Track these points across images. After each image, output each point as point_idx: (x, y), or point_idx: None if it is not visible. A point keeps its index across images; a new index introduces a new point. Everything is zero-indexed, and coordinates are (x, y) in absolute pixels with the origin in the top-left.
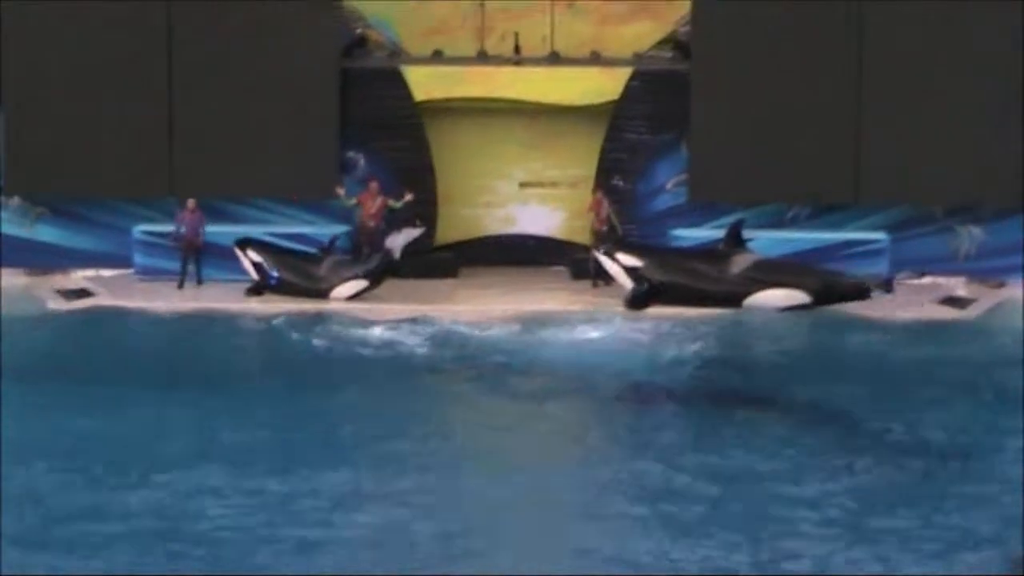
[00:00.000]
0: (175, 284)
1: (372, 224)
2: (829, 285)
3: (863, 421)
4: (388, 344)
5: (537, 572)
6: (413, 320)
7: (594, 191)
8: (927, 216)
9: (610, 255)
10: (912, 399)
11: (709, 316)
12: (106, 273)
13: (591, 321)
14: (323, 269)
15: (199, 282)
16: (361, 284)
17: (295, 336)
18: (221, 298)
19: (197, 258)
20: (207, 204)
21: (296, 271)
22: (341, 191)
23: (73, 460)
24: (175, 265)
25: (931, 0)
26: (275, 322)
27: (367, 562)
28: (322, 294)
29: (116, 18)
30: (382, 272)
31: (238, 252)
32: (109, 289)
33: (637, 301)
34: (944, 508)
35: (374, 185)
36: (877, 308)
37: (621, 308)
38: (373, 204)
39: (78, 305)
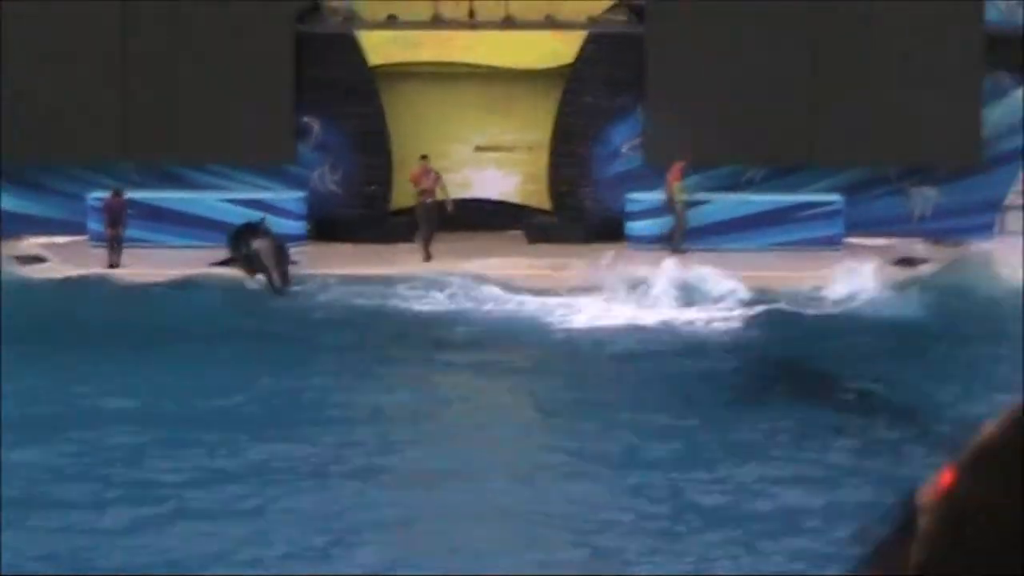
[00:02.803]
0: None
1: (429, 200)
2: None
3: None
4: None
5: None
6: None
7: (676, 161)
8: (881, 178)
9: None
10: None
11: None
12: (59, 240)
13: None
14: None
15: (112, 265)
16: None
17: (267, 300)
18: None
19: (118, 243)
20: (164, 171)
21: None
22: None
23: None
24: (127, 232)
25: None
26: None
27: None
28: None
29: None
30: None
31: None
32: (62, 256)
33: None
34: None
35: (423, 163)
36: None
37: (575, 273)
38: (427, 180)
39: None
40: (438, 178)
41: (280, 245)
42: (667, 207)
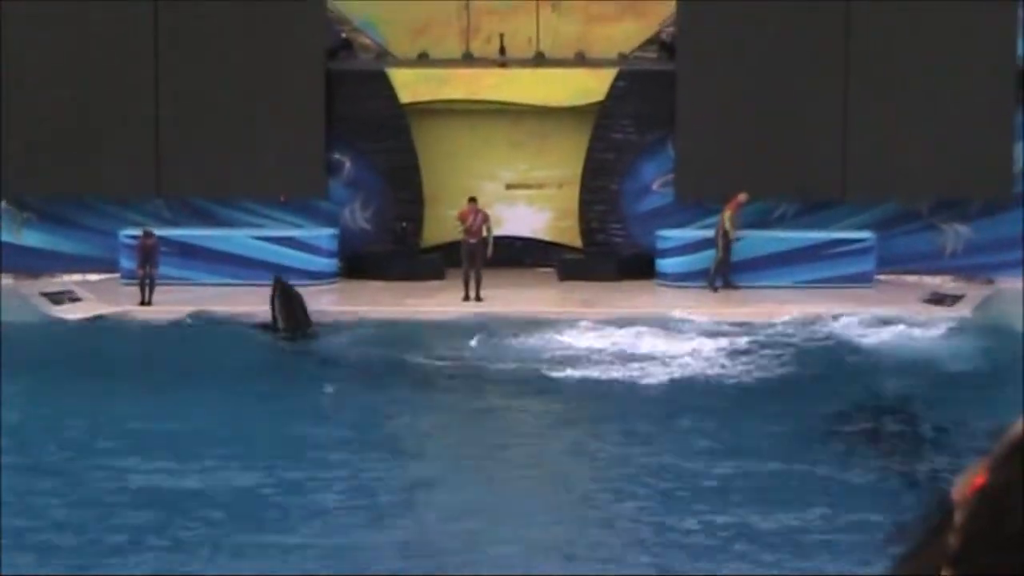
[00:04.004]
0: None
1: (473, 241)
2: None
3: None
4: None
5: None
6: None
7: (740, 192)
8: (912, 214)
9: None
10: None
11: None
12: (92, 277)
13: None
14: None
15: (143, 303)
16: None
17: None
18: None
19: (151, 285)
20: (195, 207)
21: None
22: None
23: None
24: (159, 270)
25: None
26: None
27: None
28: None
29: (102, 19)
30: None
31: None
32: (96, 293)
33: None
34: None
35: (472, 204)
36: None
37: (609, 310)
38: (473, 221)
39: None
40: (485, 219)
41: (288, 308)
42: (714, 240)
